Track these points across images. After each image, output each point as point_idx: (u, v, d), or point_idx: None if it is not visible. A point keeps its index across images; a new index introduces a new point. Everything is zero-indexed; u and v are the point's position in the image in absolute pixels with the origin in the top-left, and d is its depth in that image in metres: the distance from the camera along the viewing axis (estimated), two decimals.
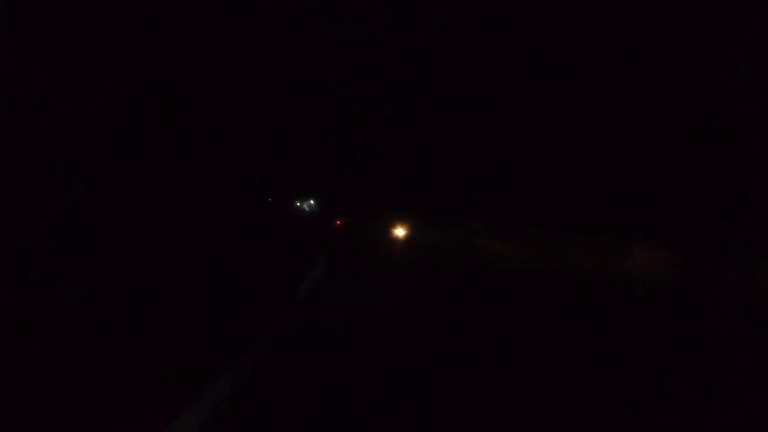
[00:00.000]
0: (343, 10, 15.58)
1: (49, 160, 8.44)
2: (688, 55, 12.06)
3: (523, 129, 17.72)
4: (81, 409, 3.85)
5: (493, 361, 6.33)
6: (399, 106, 23.11)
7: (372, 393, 4.97)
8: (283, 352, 6.25)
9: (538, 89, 16.13)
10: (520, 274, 16.73)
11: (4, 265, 6.70)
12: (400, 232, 25.34)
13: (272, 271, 11.97)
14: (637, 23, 12.63)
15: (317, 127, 26.31)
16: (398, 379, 5.34)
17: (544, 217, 18.03)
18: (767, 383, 5.95)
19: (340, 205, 31.78)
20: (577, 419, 4.69)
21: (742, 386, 5.78)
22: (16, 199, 7.69)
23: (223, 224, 15.62)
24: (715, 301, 11.06)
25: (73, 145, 9.01)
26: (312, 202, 44.01)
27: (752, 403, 5.28)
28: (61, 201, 8.34)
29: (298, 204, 45.62)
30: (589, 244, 16.21)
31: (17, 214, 7.55)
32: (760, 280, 11.08)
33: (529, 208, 19.09)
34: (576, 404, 5.04)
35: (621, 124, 14.05)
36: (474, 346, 7.11)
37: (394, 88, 21.69)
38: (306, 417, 4.37)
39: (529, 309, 10.41)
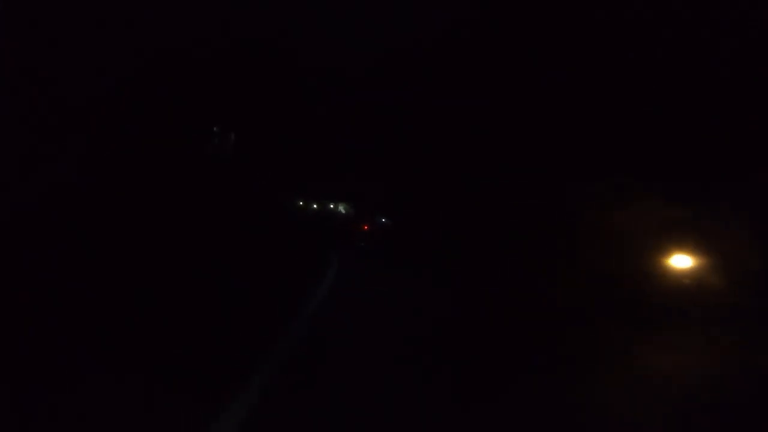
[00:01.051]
0: (343, 10, 15.58)
1: (49, 160, 8.42)
2: (689, 55, 12.05)
3: (522, 129, 17.69)
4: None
5: None
6: (399, 106, 23.07)
7: None
8: None
9: (538, 89, 16.12)
10: None
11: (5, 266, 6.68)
12: None
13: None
14: (638, 23, 12.63)
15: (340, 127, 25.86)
16: None
17: None
18: None
19: (374, 204, 27.46)
20: None
21: None
22: (15, 199, 7.67)
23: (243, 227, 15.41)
24: None
25: (73, 145, 8.99)
26: (345, 204, 42.91)
27: None
28: (61, 200, 8.32)
29: (332, 206, 44.44)
30: None
31: (17, 213, 7.52)
32: None
33: None
34: None
35: (623, 123, 13.98)
36: None
37: (393, 87, 21.69)
38: None
39: None
